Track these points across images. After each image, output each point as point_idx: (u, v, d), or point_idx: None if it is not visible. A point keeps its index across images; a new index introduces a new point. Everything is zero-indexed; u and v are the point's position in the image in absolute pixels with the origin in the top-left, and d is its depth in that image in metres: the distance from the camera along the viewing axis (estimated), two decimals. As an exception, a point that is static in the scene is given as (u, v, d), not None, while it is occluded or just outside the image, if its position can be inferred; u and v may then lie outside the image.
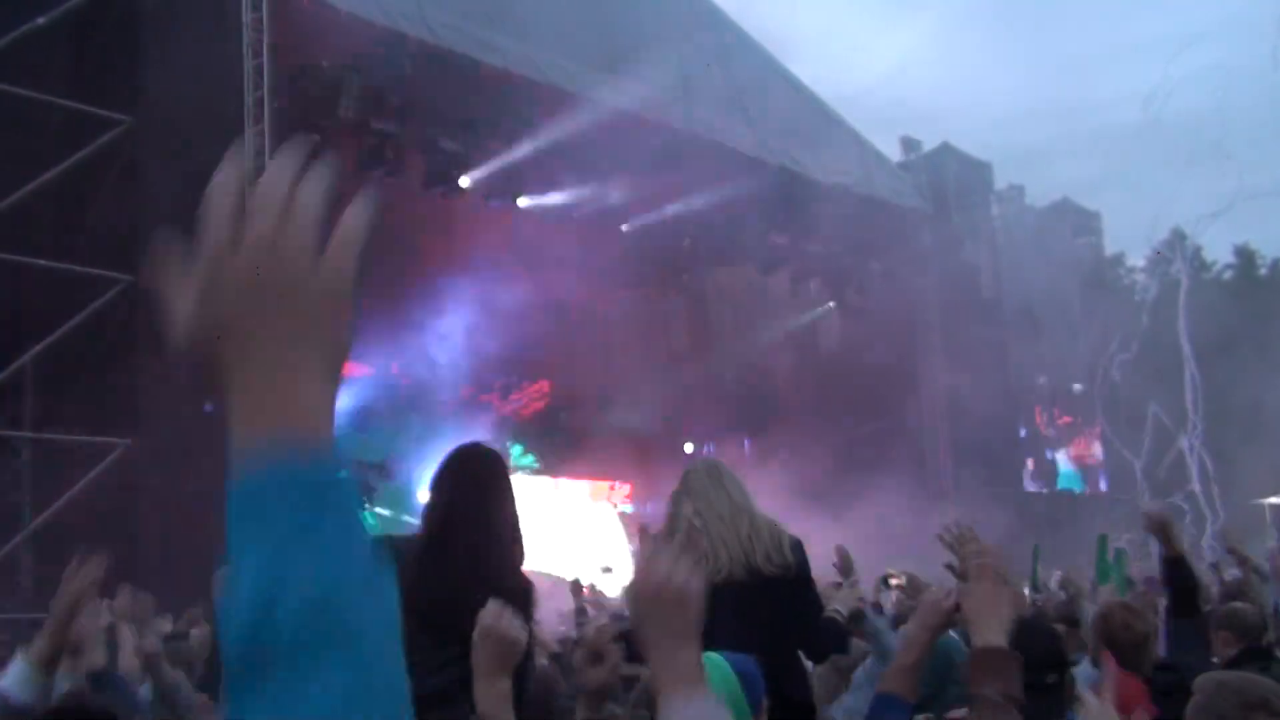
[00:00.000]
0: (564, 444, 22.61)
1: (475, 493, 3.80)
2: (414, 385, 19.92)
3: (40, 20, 13.49)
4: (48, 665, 3.31)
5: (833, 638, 4.41)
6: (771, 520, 4.32)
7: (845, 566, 5.43)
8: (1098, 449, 32.24)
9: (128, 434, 13.13)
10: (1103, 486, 31.84)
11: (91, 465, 12.91)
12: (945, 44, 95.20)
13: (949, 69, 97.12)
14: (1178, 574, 4.65)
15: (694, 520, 4.23)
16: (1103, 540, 7.67)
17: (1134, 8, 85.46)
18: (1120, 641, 4.05)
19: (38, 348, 13.18)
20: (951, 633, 5.23)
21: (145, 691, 5.54)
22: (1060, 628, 6.65)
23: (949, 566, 3.40)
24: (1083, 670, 5.85)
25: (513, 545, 3.78)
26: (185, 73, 13.84)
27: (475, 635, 2.71)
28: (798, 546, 4.28)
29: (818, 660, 4.57)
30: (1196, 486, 29.11)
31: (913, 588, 5.77)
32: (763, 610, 4.07)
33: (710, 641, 3.35)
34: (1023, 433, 29.22)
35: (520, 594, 3.48)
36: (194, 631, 7.82)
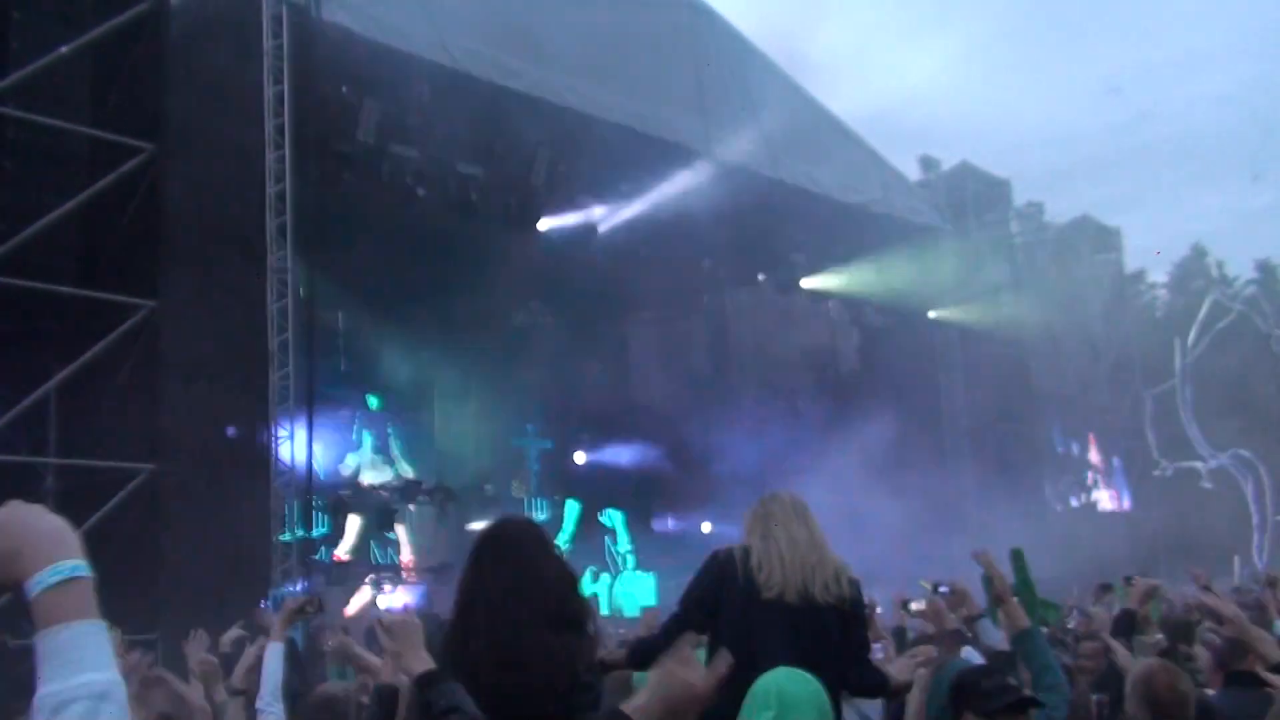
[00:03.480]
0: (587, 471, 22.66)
1: (503, 574, 3.59)
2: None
3: (63, 49, 13.62)
4: None
5: (874, 683, 4.48)
6: (841, 560, 4.49)
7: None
8: (1116, 462, 32.10)
9: (152, 459, 13.20)
10: (1126, 504, 31.68)
11: (116, 490, 12.97)
12: (968, 68, 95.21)
13: (971, 93, 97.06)
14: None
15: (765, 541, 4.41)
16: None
17: (1157, 28, 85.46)
18: (1164, 702, 4.00)
19: (62, 374, 13.26)
20: (970, 653, 5.24)
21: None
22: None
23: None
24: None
25: (545, 629, 3.47)
26: (207, 100, 13.97)
27: None
28: (855, 584, 4.45)
29: (852, 693, 4.64)
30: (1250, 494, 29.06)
31: (934, 613, 5.71)
32: (808, 634, 4.21)
33: (756, 655, 3.40)
34: (1060, 448, 29.19)
35: (547, 684, 3.34)
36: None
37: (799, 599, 4.30)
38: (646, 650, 4.44)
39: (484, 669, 3.38)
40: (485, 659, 3.42)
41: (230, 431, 13.74)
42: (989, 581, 5.27)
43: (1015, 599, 4.63)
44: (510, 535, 3.76)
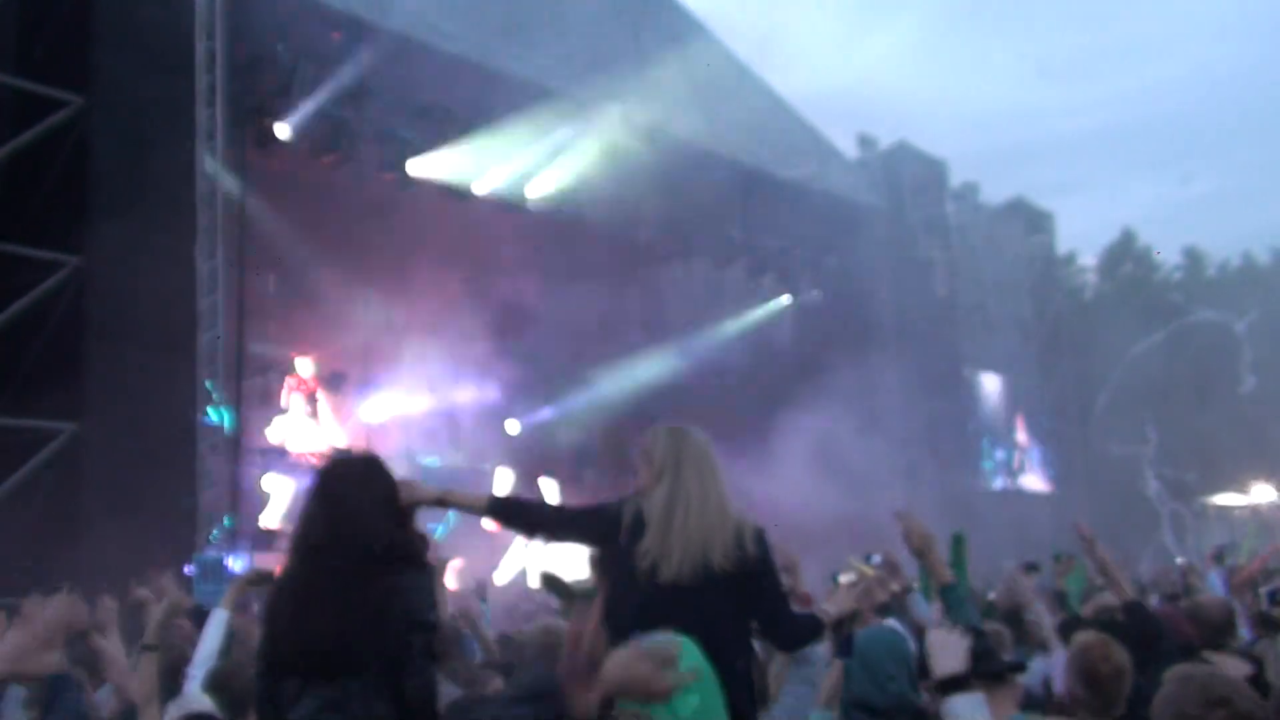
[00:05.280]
0: (521, 440, 22.58)
1: (339, 513, 3.44)
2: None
3: (-11, -2, 13.29)
4: None
5: (806, 631, 4.26)
6: (740, 515, 4.11)
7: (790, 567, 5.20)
8: (1032, 442, 32.51)
9: (74, 418, 12.96)
10: (1051, 485, 32.12)
11: (36, 450, 12.73)
12: (913, 51, 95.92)
13: (913, 75, 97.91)
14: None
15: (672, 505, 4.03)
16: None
17: (1099, 16, 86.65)
18: (1100, 675, 4.01)
19: (-17, 330, 12.98)
20: (894, 624, 5.24)
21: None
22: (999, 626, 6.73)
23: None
24: (1037, 665, 5.89)
25: (367, 568, 3.34)
26: (138, 54, 13.66)
27: None
28: (759, 538, 4.08)
29: (788, 650, 4.50)
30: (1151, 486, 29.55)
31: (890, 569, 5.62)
32: (706, 612, 3.80)
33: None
34: (988, 428, 29.53)
35: (392, 624, 3.23)
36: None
37: (695, 577, 3.92)
38: (519, 507, 4.33)
39: (286, 616, 3.33)
40: (286, 606, 3.36)
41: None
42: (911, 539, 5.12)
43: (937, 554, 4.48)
44: (330, 474, 3.60)
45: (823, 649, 4.78)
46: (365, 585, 3.28)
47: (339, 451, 3.81)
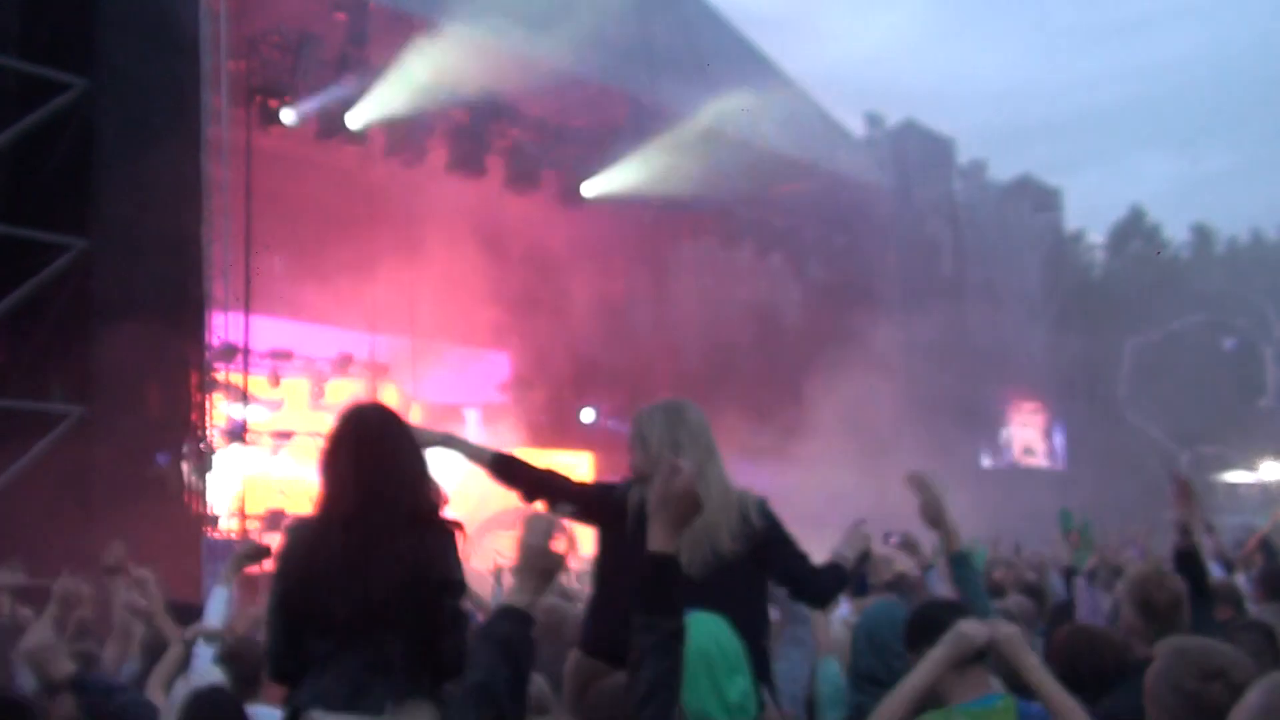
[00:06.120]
0: (529, 418, 22.57)
1: (366, 464, 3.32)
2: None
3: (-8, -20, 13.23)
4: None
5: (833, 582, 4.20)
6: (741, 493, 4.08)
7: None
8: (1041, 420, 32.45)
9: (81, 402, 12.95)
10: (1060, 463, 32.10)
11: (43, 433, 12.72)
12: (922, 28, 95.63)
13: (922, 52, 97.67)
14: None
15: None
16: (1065, 515, 7.79)
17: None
18: (1157, 603, 4.01)
19: (-9, 314, 12.96)
20: (900, 602, 5.23)
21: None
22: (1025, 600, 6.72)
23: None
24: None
25: (402, 529, 3.26)
26: (142, 36, 13.61)
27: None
28: (763, 509, 4.06)
29: (821, 605, 4.46)
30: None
31: (882, 559, 5.58)
32: (721, 600, 3.54)
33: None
34: (995, 406, 29.50)
35: (426, 585, 3.18)
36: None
37: (706, 567, 3.82)
38: (524, 468, 4.27)
39: (333, 575, 3.20)
40: (334, 566, 3.22)
41: (161, 459, 13.39)
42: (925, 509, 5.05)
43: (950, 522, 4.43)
44: (369, 424, 3.44)
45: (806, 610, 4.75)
46: (398, 545, 3.21)
47: (363, 405, 3.60)
